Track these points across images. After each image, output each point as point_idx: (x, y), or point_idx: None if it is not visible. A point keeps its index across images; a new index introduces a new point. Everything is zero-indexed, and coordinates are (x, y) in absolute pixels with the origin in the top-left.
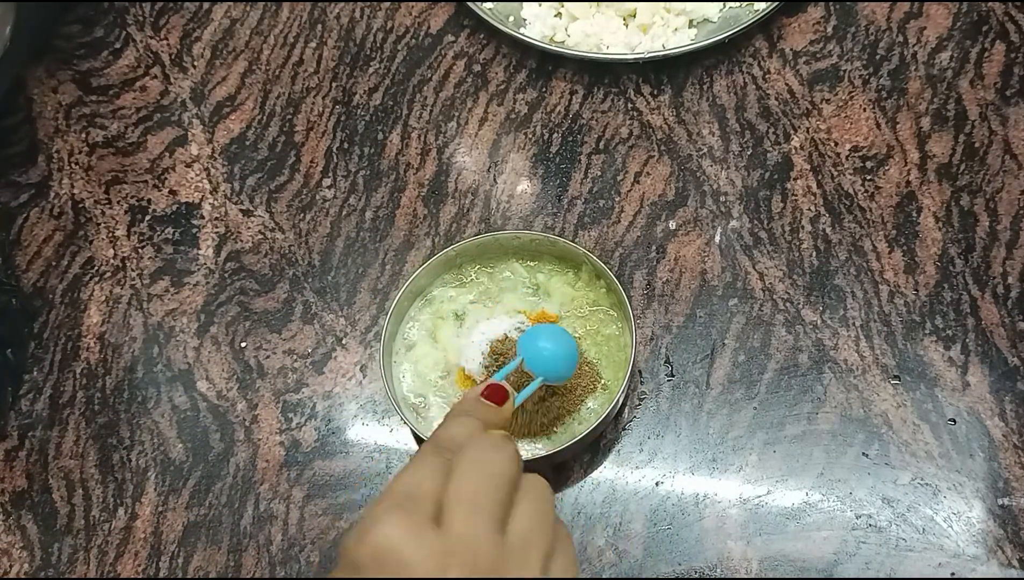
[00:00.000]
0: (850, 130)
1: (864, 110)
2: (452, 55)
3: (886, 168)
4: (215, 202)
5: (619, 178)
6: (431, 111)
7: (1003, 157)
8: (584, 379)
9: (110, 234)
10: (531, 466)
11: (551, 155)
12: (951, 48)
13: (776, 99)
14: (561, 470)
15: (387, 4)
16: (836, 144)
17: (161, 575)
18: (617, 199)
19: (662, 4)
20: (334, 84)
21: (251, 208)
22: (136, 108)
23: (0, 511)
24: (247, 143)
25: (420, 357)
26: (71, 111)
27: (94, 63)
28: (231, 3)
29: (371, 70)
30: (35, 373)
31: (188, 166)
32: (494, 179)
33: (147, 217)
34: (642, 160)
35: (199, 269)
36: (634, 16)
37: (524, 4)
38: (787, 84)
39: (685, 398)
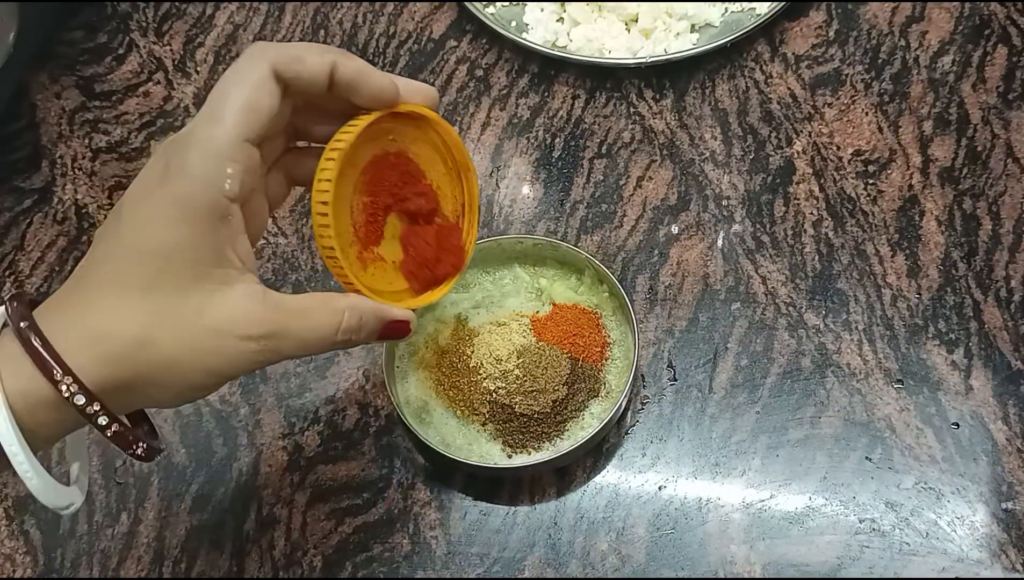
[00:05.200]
0: (852, 134)
1: (866, 114)
2: (454, 60)
3: (888, 172)
4: None
5: (621, 182)
6: None
7: (1005, 161)
8: (587, 383)
9: None
10: (534, 470)
11: (553, 160)
12: (953, 52)
13: (778, 103)
14: (564, 474)
15: (390, 9)
16: (838, 148)
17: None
18: (620, 203)
19: (664, 9)
20: None
21: None
22: (139, 114)
23: (4, 516)
24: None
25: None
26: (74, 117)
27: (97, 69)
28: (234, 9)
29: None
30: None
31: None
32: (496, 184)
33: None
34: (644, 164)
35: None
36: (636, 21)
37: (526, 9)
38: (789, 88)
39: (688, 402)
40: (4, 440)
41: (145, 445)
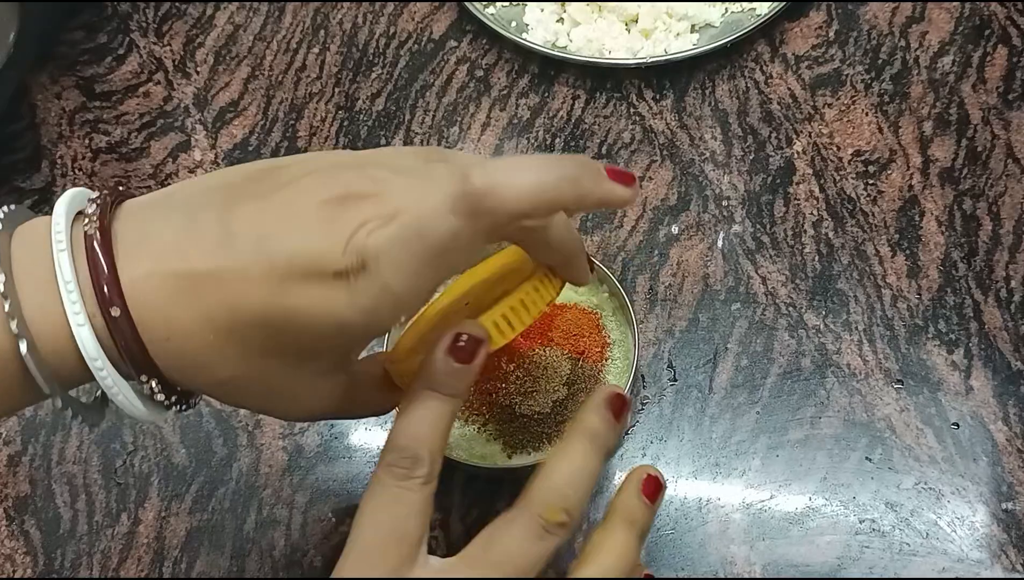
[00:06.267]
0: (852, 135)
1: (866, 114)
2: (454, 60)
3: (888, 172)
4: None
5: None
6: (434, 116)
7: (1005, 161)
8: (587, 383)
9: None
10: (533, 471)
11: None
12: (953, 52)
13: (778, 104)
14: None
15: (390, 9)
16: (838, 148)
17: None
18: None
19: (664, 9)
20: (337, 90)
21: None
22: (139, 114)
23: (4, 517)
24: (250, 149)
25: None
26: (74, 117)
27: (97, 69)
28: (234, 9)
29: (374, 75)
30: None
31: (191, 172)
32: None
33: None
34: (644, 165)
35: None
36: (636, 21)
37: (526, 9)
38: (789, 89)
39: (688, 403)
40: (90, 356)
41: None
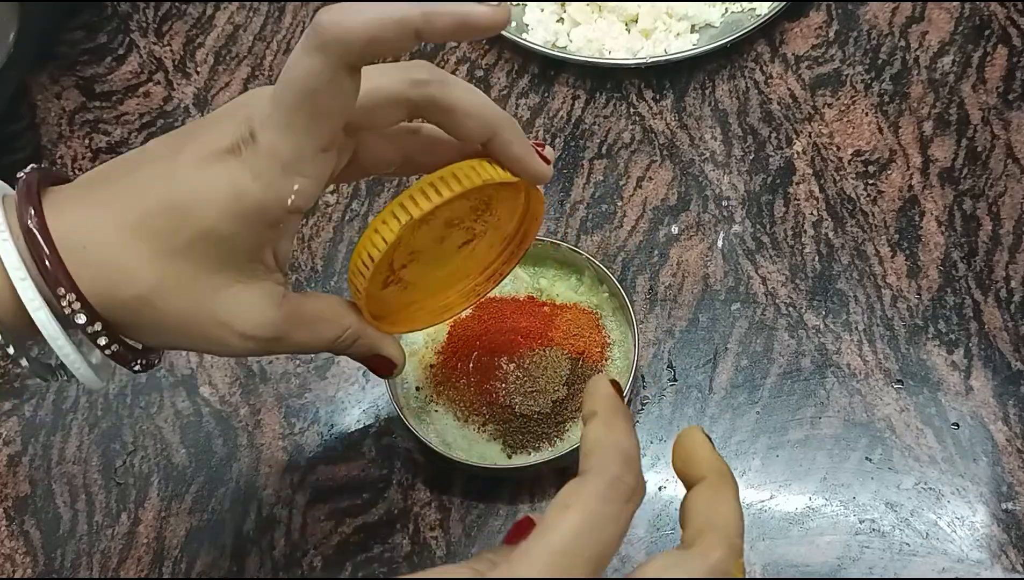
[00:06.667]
0: (852, 135)
1: (866, 115)
2: (454, 60)
3: (888, 172)
4: None
5: (621, 183)
6: None
7: (1005, 161)
8: (586, 383)
9: None
10: (534, 471)
11: (553, 160)
12: (953, 52)
13: (778, 104)
14: (564, 475)
15: None
16: (838, 149)
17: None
18: (620, 204)
19: (664, 9)
20: None
21: None
22: (139, 114)
23: (4, 517)
24: None
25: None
26: (74, 117)
27: (97, 69)
28: (234, 9)
29: None
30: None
31: None
32: None
33: None
34: (644, 165)
35: None
36: (636, 21)
37: (526, 9)
38: (789, 89)
39: (688, 403)
40: (42, 325)
41: (143, 360)
